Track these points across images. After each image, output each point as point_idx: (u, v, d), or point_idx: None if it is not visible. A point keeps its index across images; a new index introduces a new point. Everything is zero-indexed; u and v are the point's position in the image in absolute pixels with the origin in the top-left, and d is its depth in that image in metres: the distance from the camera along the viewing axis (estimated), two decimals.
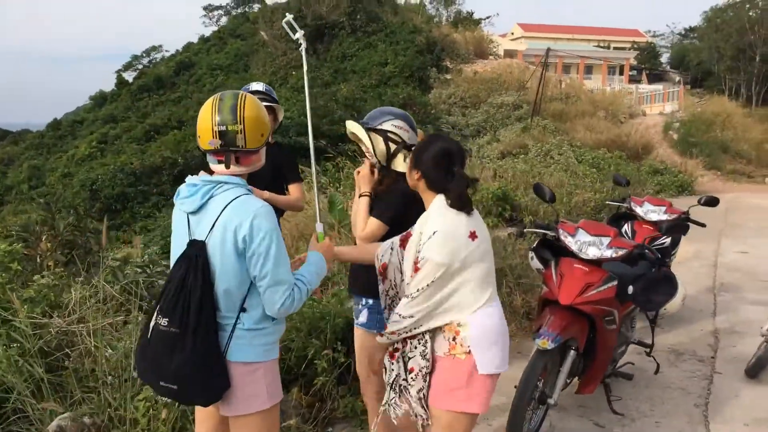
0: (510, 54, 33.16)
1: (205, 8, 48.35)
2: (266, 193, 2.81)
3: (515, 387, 2.92)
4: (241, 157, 1.86)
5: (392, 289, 2.21)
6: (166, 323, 1.77)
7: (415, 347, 2.05)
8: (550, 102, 20.12)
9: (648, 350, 3.59)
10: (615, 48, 45.05)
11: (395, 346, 2.11)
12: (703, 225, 4.45)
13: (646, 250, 3.15)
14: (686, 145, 17.44)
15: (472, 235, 1.99)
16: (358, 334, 2.54)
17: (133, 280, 3.59)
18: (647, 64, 41.14)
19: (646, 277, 3.11)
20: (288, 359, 3.18)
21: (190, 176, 1.90)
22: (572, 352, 2.97)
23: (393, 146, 2.39)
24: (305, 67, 2.12)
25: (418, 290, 1.97)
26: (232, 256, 1.79)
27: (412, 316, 1.99)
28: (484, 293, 2.01)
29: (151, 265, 4.15)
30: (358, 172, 2.50)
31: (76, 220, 5.07)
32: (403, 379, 2.09)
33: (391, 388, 2.12)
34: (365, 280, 2.39)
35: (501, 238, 5.71)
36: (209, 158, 1.89)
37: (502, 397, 3.48)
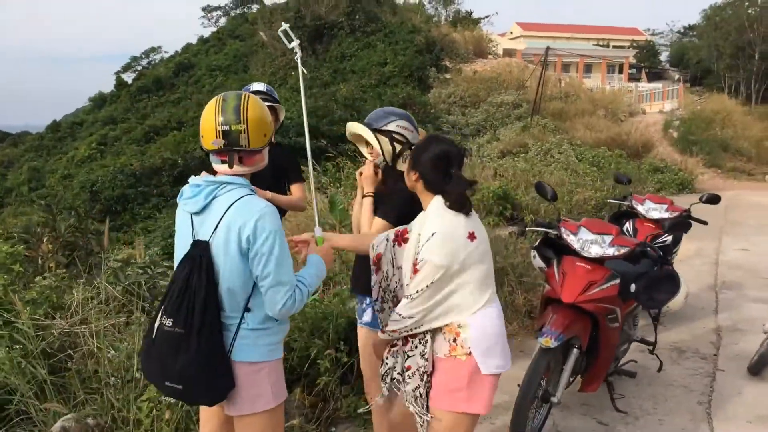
0: (509, 53, 33.15)
1: (203, 9, 48.35)
2: (268, 194, 2.81)
3: (518, 386, 2.92)
4: (244, 157, 1.87)
5: (384, 281, 2.21)
6: (171, 323, 1.77)
7: (416, 346, 2.05)
8: (550, 101, 20.12)
9: (651, 348, 3.59)
10: (614, 47, 45.04)
11: (395, 342, 2.12)
12: (704, 222, 4.45)
13: (649, 248, 3.15)
14: (686, 143, 17.43)
15: (471, 236, 1.99)
16: (362, 333, 2.54)
17: (134, 281, 3.59)
18: (646, 62, 41.13)
19: (649, 275, 3.11)
20: (290, 359, 3.17)
21: (193, 177, 1.90)
22: (575, 351, 2.97)
23: (398, 146, 2.40)
24: (301, 76, 2.14)
25: (417, 291, 1.97)
26: (236, 257, 1.79)
27: (412, 317, 2.00)
28: (483, 294, 2.02)
29: (152, 266, 4.15)
30: (360, 174, 2.50)
31: (77, 222, 5.06)
32: (398, 373, 2.10)
33: (382, 379, 2.14)
34: (367, 279, 2.39)
35: (502, 237, 5.70)
36: (212, 158, 1.89)
37: (505, 396, 3.49)
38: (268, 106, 2.05)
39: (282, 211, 3.02)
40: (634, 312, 3.51)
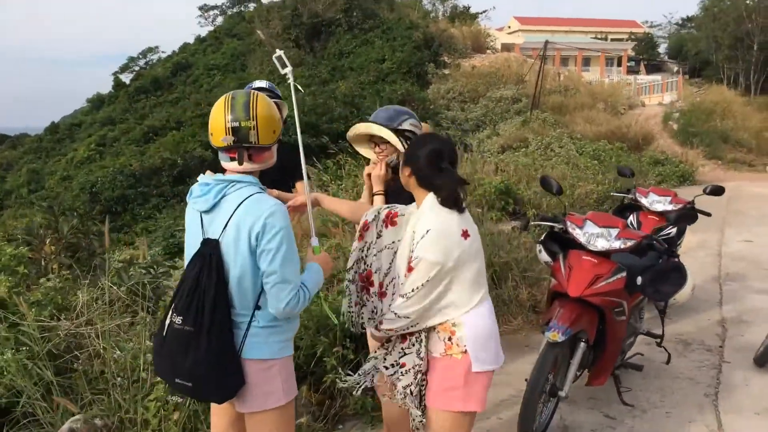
0: (507, 48, 33.08)
1: (200, 8, 48.18)
2: (275, 192, 2.80)
3: (525, 380, 2.91)
4: (253, 154, 1.87)
5: (364, 250, 2.20)
6: (181, 322, 1.78)
7: (413, 344, 2.06)
8: (549, 95, 20.10)
9: (659, 341, 3.59)
10: (612, 39, 44.91)
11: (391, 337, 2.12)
12: (708, 214, 4.44)
13: (655, 241, 3.13)
14: (686, 135, 17.41)
15: (465, 234, 1.99)
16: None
17: (138, 282, 3.58)
18: (645, 54, 41.04)
19: (655, 268, 3.10)
20: (297, 357, 3.16)
21: (202, 175, 1.90)
22: (582, 345, 2.96)
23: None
24: (294, 101, 2.15)
25: (412, 290, 1.97)
26: (245, 254, 1.79)
27: (407, 317, 1.99)
28: (477, 293, 2.02)
29: (155, 266, 4.14)
30: (368, 174, 2.50)
31: (79, 223, 5.05)
32: (384, 366, 2.10)
33: (366, 360, 2.18)
34: None
35: (505, 231, 5.69)
36: (221, 156, 1.90)
37: (511, 391, 3.49)
38: None
39: None
40: (640, 305, 3.50)
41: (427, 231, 1.96)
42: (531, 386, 2.78)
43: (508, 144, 14.04)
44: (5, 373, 2.69)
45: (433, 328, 2.04)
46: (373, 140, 2.51)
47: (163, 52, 43.55)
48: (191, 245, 1.88)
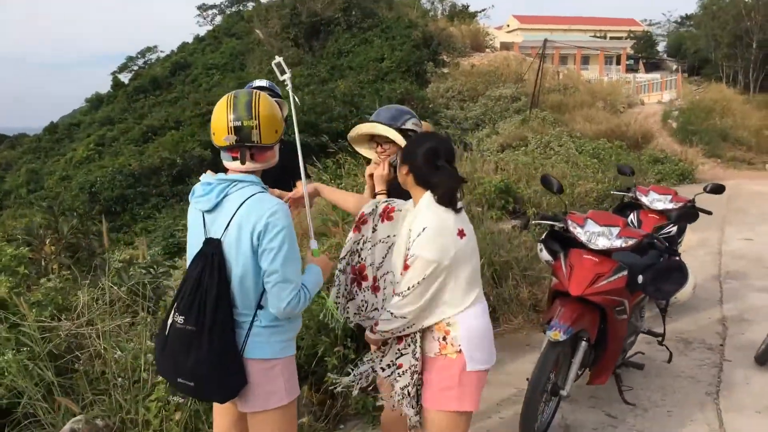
0: (506, 46, 33.06)
1: (199, 8, 48.12)
2: (276, 191, 2.79)
3: (527, 380, 2.91)
4: (256, 153, 1.87)
5: (359, 243, 2.21)
6: (183, 321, 1.78)
7: (409, 345, 2.06)
8: (548, 93, 20.08)
9: (660, 339, 3.59)
10: (611, 38, 44.93)
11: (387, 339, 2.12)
12: (709, 213, 4.44)
13: (656, 240, 3.13)
14: (686, 133, 17.40)
15: (461, 233, 2.00)
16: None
17: (138, 282, 3.57)
18: (644, 53, 41.03)
19: (656, 267, 3.10)
20: (298, 357, 3.14)
21: (204, 174, 1.90)
22: (584, 343, 2.96)
23: None
24: (293, 108, 2.15)
25: (409, 288, 1.97)
26: (247, 254, 1.79)
27: (404, 317, 1.99)
28: (472, 292, 2.03)
29: (155, 266, 4.14)
30: (371, 174, 2.50)
31: (79, 223, 5.04)
32: (380, 367, 2.11)
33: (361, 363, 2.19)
34: None
35: (505, 230, 5.69)
36: (224, 155, 1.90)
37: (513, 390, 3.49)
38: None
39: None
40: (641, 304, 3.50)
41: (424, 229, 1.97)
42: (533, 385, 2.78)
43: (508, 143, 14.03)
44: (6, 373, 2.68)
45: (428, 327, 2.05)
46: (376, 140, 2.50)
47: (161, 51, 43.56)
48: (193, 245, 1.88)
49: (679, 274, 3.12)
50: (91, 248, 4.82)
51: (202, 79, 30.47)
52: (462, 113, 18.75)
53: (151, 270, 4.02)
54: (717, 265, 6.25)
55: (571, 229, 3.13)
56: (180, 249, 8.40)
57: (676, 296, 3.89)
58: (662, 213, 4.47)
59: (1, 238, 5.70)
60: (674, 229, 4.35)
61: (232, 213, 1.80)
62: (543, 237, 3.31)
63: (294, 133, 2.23)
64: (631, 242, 3.02)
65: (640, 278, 3.02)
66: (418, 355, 2.04)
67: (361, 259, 2.20)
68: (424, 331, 2.05)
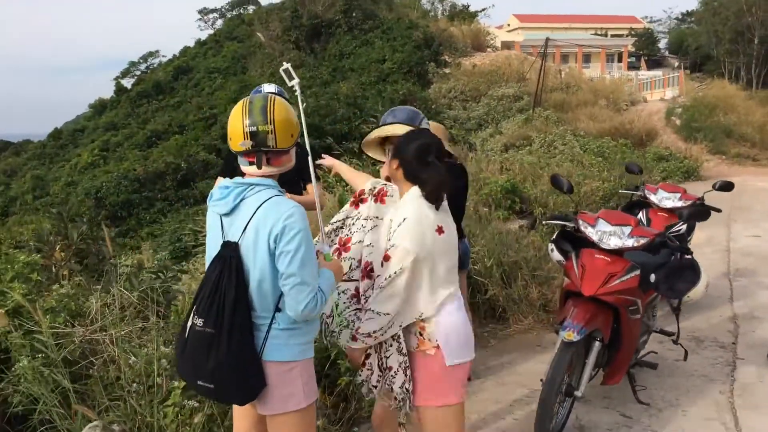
0: (507, 46, 33.05)
1: (200, 12, 48.29)
2: (286, 194, 2.80)
3: (540, 380, 2.91)
4: (272, 158, 1.88)
5: (352, 218, 2.29)
6: (202, 324, 1.79)
7: (390, 345, 2.10)
8: (551, 92, 20.07)
9: (674, 338, 3.57)
10: (612, 35, 44.84)
11: (368, 351, 2.15)
12: (719, 210, 4.42)
13: (668, 239, 3.13)
14: (690, 130, 17.36)
15: (439, 230, 2.05)
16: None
17: (149, 286, 3.59)
18: (645, 50, 40.94)
19: (669, 266, 3.09)
20: None
21: (221, 178, 1.91)
22: (597, 344, 2.95)
23: None
24: (302, 114, 2.16)
25: (386, 278, 2.01)
26: (265, 257, 1.80)
27: (388, 313, 2.02)
28: (446, 289, 2.08)
29: (165, 271, 4.15)
30: (387, 177, 2.51)
31: (88, 229, 5.06)
32: (372, 386, 2.16)
33: (359, 386, 2.25)
34: None
35: (513, 230, 5.69)
36: (240, 160, 1.91)
37: (525, 390, 3.49)
38: None
39: None
40: (653, 303, 3.49)
41: (404, 219, 2.04)
42: (548, 386, 2.77)
43: (511, 142, 14.01)
44: (22, 380, 2.70)
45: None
46: (391, 141, 2.51)
47: (163, 56, 43.73)
48: (212, 247, 1.90)
49: (692, 272, 3.11)
50: (101, 254, 4.84)
51: (204, 82, 30.55)
52: (465, 113, 18.73)
53: (161, 275, 4.03)
54: (726, 262, 6.23)
55: (582, 228, 3.13)
56: (187, 253, 8.41)
57: (689, 295, 3.86)
58: (671, 211, 4.46)
59: (10, 245, 5.73)
60: (684, 227, 4.35)
61: (249, 216, 1.82)
62: (554, 237, 3.31)
63: (302, 134, 2.23)
64: (643, 241, 3.01)
65: (653, 277, 3.01)
66: (404, 350, 2.08)
67: (351, 233, 2.28)
68: (404, 328, 2.10)
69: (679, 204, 4.44)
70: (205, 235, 2.02)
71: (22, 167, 29.83)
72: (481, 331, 4.37)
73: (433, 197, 2.05)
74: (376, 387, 2.17)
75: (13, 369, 2.79)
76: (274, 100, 1.86)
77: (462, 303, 2.16)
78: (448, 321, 2.07)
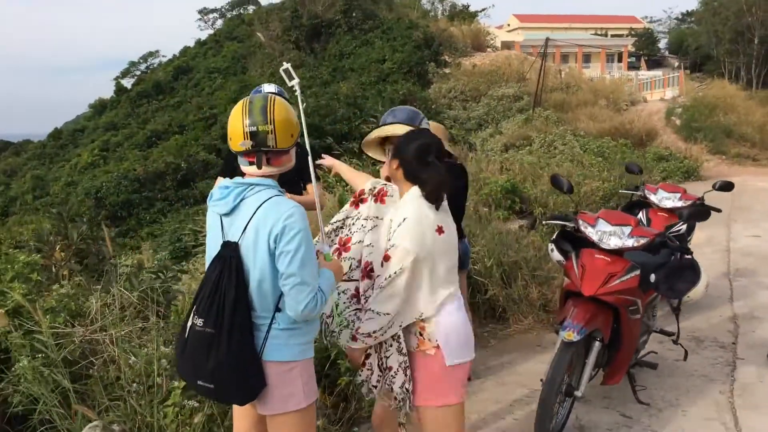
0: (507, 46, 33.05)
1: (200, 12, 48.29)
2: (286, 194, 2.80)
3: (540, 380, 2.91)
4: (272, 158, 1.89)
5: (352, 218, 2.29)
6: (202, 324, 1.79)
7: (390, 345, 2.10)
8: (551, 92, 20.07)
9: (674, 338, 3.58)
10: (612, 35, 44.85)
11: (368, 351, 2.15)
12: (719, 210, 4.42)
13: (668, 239, 3.13)
14: (690, 130, 17.35)
15: (439, 230, 2.05)
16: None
17: (149, 286, 3.59)
18: (645, 50, 40.94)
19: (669, 266, 3.09)
20: None
21: (221, 178, 1.91)
22: (597, 344, 2.95)
23: None
24: (302, 114, 2.17)
25: (386, 278, 2.01)
26: (265, 257, 1.80)
27: (388, 313, 2.02)
28: (446, 289, 2.08)
29: (164, 271, 4.15)
30: (387, 177, 2.52)
31: (88, 229, 5.06)
32: (372, 386, 2.16)
33: (359, 386, 2.24)
34: None
35: (513, 230, 5.69)
36: (240, 160, 1.92)
37: (525, 390, 3.49)
38: None
39: None
40: (653, 303, 3.49)
41: (404, 219, 2.03)
42: (548, 386, 2.77)
43: (511, 142, 14.01)
44: (22, 380, 2.70)
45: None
46: (391, 141, 2.51)
47: (163, 56, 43.74)
48: (212, 247, 1.90)
49: (692, 272, 3.11)
50: (101, 254, 4.84)
51: (204, 83, 30.54)
52: (465, 113, 18.73)
53: (161, 275, 4.03)
54: (726, 262, 6.23)
55: (582, 228, 3.13)
56: (187, 253, 8.41)
57: (689, 295, 3.86)
58: (671, 211, 4.46)
59: (10, 245, 5.73)
60: (684, 227, 4.35)
61: (249, 216, 1.82)
62: (554, 237, 3.31)
63: (302, 135, 2.23)
64: (643, 241, 3.01)
65: (653, 277, 3.01)
66: (404, 350, 2.08)
67: (351, 233, 2.28)
68: (404, 328, 2.10)
69: (679, 204, 4.44)
70: (205, 235, 2.02)
71: (22, 167, 29.82)
72: (481, 331, 4.37)
73: (433, 197, 2.05)
74: (376, 387, 2.17)
75: (13, 369, 2.79)
76: (274, 100, 1.86)
77: (462, 303, 2.16)
78: (448, 321, 2.07)
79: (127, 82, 39.65)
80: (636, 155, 12.85)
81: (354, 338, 2.11)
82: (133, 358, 2.86)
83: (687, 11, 42.62)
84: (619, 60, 40.19)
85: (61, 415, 2.65)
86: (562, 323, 2.90)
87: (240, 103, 1.87)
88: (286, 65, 2.36)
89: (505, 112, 18.20)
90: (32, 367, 2.70)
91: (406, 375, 2.08)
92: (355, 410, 3.14)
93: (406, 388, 2.08)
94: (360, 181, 2.44)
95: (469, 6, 34.42)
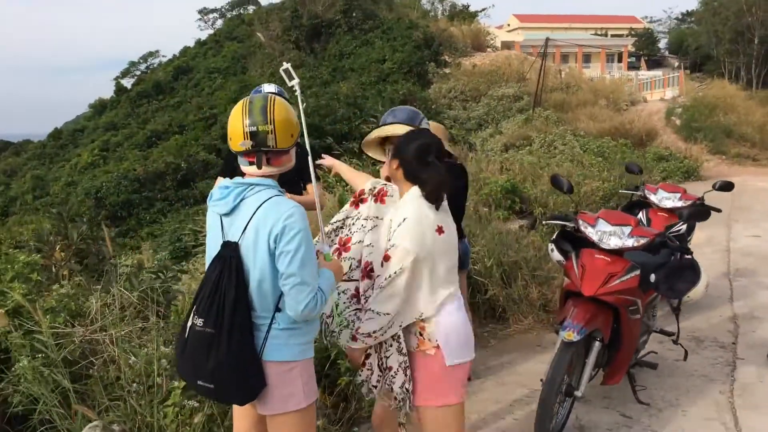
0: (507, 46, 33.05)
1: (200, 12, 48.30)
2: (286, 194, 2.80)
3: (540, 380, 2.91)
4: (272, 158, 1.89)
5: (352, 218, 2.29)
6: (202, 324, 1.79)
7: (390, 345, 2.10)
8: (551, 92, 20.07)
9: (674, 338, 3.58)
10: (612, 35, 44.86)
11: (368, 351, 2.15)
12: (719, 210, 4.42)
13: (668, 239, 3.13)
14: (690, 130, 17.36)
15: (439, 230, 2.06)
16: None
17: (149, 286, 3.59)
18: (645, 50, 40.95)
19: (669, 266, 3.09)
20: None
21: (221, 178, 1.91)
22: (597, 344, 2.95)
23: None
24: (302, 112, 2.17)
25: (386, 278, 2.01)
26: (265, 257, 1.80)
27: (388, 313, 2.02)
28: (446, 289, 2.08)
29: (164, 271, 4.15)
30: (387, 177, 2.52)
31: (88, 229, 5.06)
32: (372, 386, 2.15)
33: (359, 386, 2.25)
34: None
35: (513, 230, 5.69)
36: (240, 160, 1.92)
37: (525, 390, 3.49)
38: None
39: None
40: (653, 303, 3.49)
41: (404, 219, 2.04)
42: (548, 386, 2.77)
43: (511, 142, 14.02)
44: (22, 380, 2.70)
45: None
46: (391, 141, 2.51)
47: (163, 56, 43.75)
48: (212, 247, 1.90)
49: (692, 272, 3.11)
50: (101, 254, 4.84)
51: (204, 83, 30.55)
52: (465, 113, 18.73)
53: (161, 275, 4.03)
54: (726, 262, 6.23)
55: (582, 228, 3.13)
56: (186, 253, 8.41)
57: (689, 295, 3.86)
58: (671, 211, 4.46)
59: (10, 245, 5.73)
60: (684, 227, 4.35)
61: (249, 216, 1.82)
62: (554, 237, 3.31)
63: (302, 137, 2.23)
64: (643, 241, 3.01)
65: (653, 277, 3.01)
66: (404, 350, 2.09)
67: (351, 233, 2.28)
68: (403, 328, 2.10)
69: (679, 204, 4.44)
70: (204, 235, 2.02)
71: (22, 167, 29.82)
72: (481, 331, 4.37)
73: (433, 197, 2.06)
74: (376, 387, 2.17)
75: (13, 369, 2.79)
76: (274, 100, 1.86)
77: (462, 303, 2.16)
78: (448, 321, 2.07)
79: (127, 82, 39.69)
80: (636, 155, 12.85)
81: (354, 338, 2.11)
82: (133, 358, 2.86)
83: (687, 11, 42.66)
84: (619, 60, 40.19)
85: (61, 415, 2.65)
86: (562, 323, 2.90)
87: (240, 103, 1.88)
88: (286, 65, 2.36)
89: (505, 112, 18.20)
90: (32, 367, 2.70)
91: (406, 375, 2.09)
92: (355, 410, 3.14)
93: (406, 388, 2.09)
94: (360, 181, 2.44)
95: (469, 6, 34.44)
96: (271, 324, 1.85)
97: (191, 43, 40.50)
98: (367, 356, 2.16)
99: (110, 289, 3.40)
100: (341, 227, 2.33)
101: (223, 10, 47.16)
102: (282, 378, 1.86)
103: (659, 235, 3.11)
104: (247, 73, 28.05)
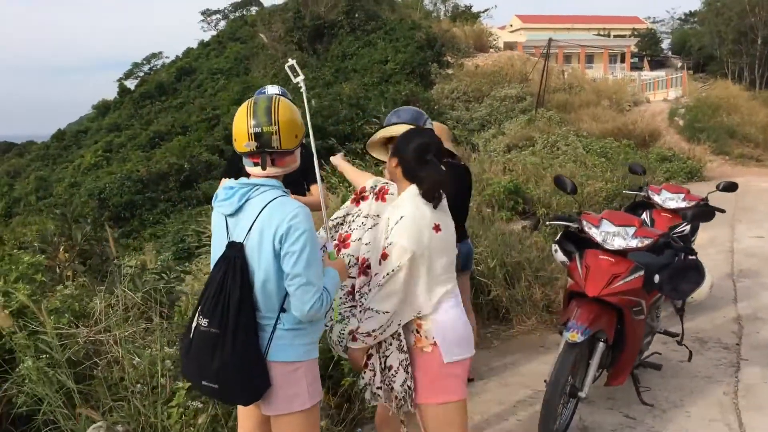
0: (510, 46, 33.02)
1: (202, 13, 48.47)
2: (290, 195, 2.80)
3: (544, 381, 2.90)
4: (276, 159, 1.89)
5: (354, 215, 2.31)
6: (207, 324, 1.80)
7: (390, 344, 2.10)
8: (554, 93, 20.03)
9: (679, 339, 3.57)
10: (615, 36, 44.80)
11: (369, 352, 2.15)
12: (723, 211, 4.41)
13: (672, 239, 3.12)
14: (693, 130, 17.30)
15: (437, 228, 2.06)
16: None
17: (152, 287, 3.59)
18: (648, 50, 40.87)
19: (673, 266, 3.09)
20: None
21: (225, 179, 1.92)
22: (601, 344, 2.94)
23: None
24: (307, 109, 2.18)
25: (384, 276, 2.02)
26: (270, 257, 1.80)
27: (387, 311, 2.02)
28: (443, 286, 2.08)
29: (168, 271, 4.16)
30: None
31: (92, 230, 5.08)
32: (377, 387, 2.14)
33: (362, 391, 2.23)
34: None
35: (516, 231, 5.68)
36: (245, 161, 1.92)
37: (528, 391, 3.49)
38: None
39: None
40: (657, 303, 3.48)
41: (401, 217, 2.04)
42: (552, 387, 2.77)
43: (514, 143, 13.99)
44: (26, 381, 2.70)
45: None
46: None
47: (166, 57, 43.88)
48: (217, 248, 1.91)
49: (696, 273, 3.10)
50: (104, 255, 4.85)
51: (207, 84, 30.61)
52: (467, 114, 18.71)
53: (164, 275, 4.04)
54: (729, 263, 6.21)
55: (586, 229, 3.12)
56: (190, 254, 8.43)
57: (693, 296, 3.86)
58: (675, 212, 4.44)
59: (14, 246, 5.75)
60: (687, 227, 4.33)
61: (254, 217, 1.82)
62: (558, 238, 3.31)
63: (307, 135, 2.23)
64: (647, 242, 3.00)
65: (657, 278, 3.00)
66: (404, 348, 2.08)
67: (350, 230, 2.29)
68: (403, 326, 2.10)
69: (683, 205, 4.43)
70: (208, 236, 2.03)
71: (26, 168, 29.93)
72: (484, 332, 4.37)
73: (430, 195, 2.06)
74: (380, 388, 2.16)
75: (17, 369, 2.79)
76: (279, 101, 1.87)
77: (459, 300, 2.16)
78: (444, 318, 2.07)
79: (130, 83, 39.79)
80: (639, 156, 12.82)
81: (354, 338, 2.11)
82: (136, 358, 2.87)
83: (690, 12, 42.59)
84: (622, 60, 40.13)
85: (65, 415, 2.66)
86: (566, 324, 2.89)
87: (245, 104, 1.88)
88: (291, 61, 2.36)
89: (508, 112, 18.17)
90: (36, 368, 2.71)
91: (407, 372, 2.08)
92: (358, 411, 3.15)
93: (407, 386, 2.08)
94: (363, 180, 2.45)
95: (471, 7, 34.41)
96: (275, 324, 1.85)
97: (193, 44, 40.66)
98: (369, 357, 2.15)
99: (114, 290, 3.40)
100: (341, 224, 2.34)
101: (225, 11, 47.33)
102: (287, 378, 1.86)
103: (663, 235, 3.10)
104: (250, 74, 28.10)
